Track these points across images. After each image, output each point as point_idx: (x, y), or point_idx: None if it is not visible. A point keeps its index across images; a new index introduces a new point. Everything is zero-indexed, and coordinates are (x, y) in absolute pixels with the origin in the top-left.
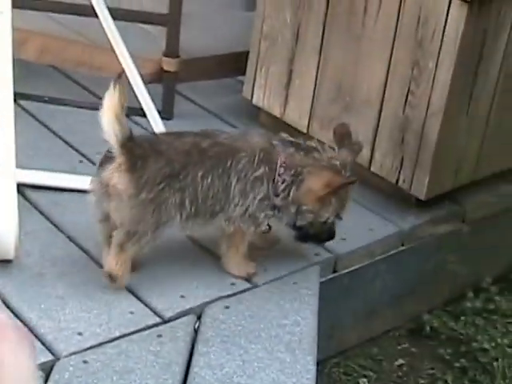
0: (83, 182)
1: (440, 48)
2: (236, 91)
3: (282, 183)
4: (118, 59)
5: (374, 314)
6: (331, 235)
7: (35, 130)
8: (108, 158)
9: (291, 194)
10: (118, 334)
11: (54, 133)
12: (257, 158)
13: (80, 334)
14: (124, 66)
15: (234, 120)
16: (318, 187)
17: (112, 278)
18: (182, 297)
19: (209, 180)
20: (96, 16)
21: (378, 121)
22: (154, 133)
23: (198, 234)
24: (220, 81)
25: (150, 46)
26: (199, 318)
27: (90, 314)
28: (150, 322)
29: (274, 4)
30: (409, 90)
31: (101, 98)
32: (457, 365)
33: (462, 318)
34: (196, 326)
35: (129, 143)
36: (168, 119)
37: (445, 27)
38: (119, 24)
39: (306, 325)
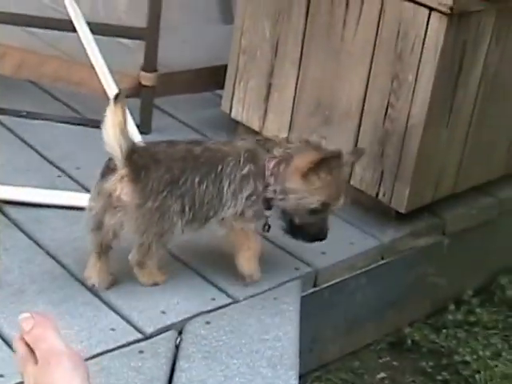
0: (62, 197)
1: (420, 60)
2: (214, 105)
3: (271, 175)
4: (96, 74)
5: (354, 327)
6: (321, 232)
7: (13, 145)
8: (109, 170)
9: (278, 176)
10: (99, 350)
11: (31, 148)
12: (242, 158)
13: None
14: (102, 80)
15: (212, 134)
16: (301, 164)
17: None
18: (163, 312)
19: (204, 185)
20: (75, 30)
21: (358, 134)
22: (145, 143)
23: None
24: (198, 94)
25: (127, 60)
26: (180, 333)
27: (71, 331)
28: (131, 338)
29: (253, 18)
30: (388, 102)
31: (79, 113)
32: (438, 378)
33: (444, 330)
34: (177, 342)
35: (132, 155)
36: (146, 133)
37: (424, 39)
38: (97, 38)
39: (287, 340)
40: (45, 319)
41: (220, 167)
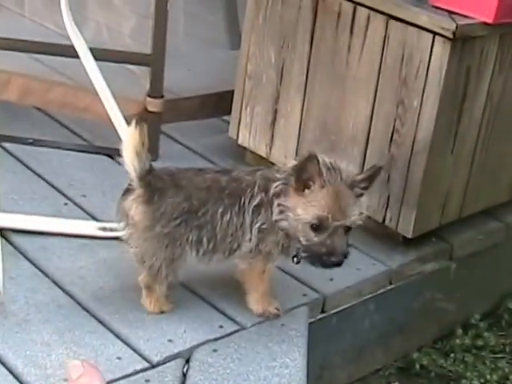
0: (69, 225)
1: (424, 86)
2: (222, 131)
3: (275, 198)
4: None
5: (363, 353)
6: (334, 252)
7: (19, 172)
8: (130, 189)
9: (280, 197)
10: (106, 379)
11: (38, 175)
12: (256, 188)
13: (67, 381)
14: (107, 107)
15: (219, 160)
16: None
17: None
18: (170, 341)
19: (228, 217)
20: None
21: (364, 159)
22: (175, 167)
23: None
24: (205, 121)
25: (134, 86)
26: (187, 361)
27: (77, 361)
28: (138, 367)
29: (258, 43)
30: (394, 128)
31: (86, 140)
32: None
33: (452, 354)
34: (184, 370)
35: (148, 176)
36: (153, 160)
37: (429, 65)
38: (103, 64)
39: (294, 366)
40: (93, 369)
41: (243, 199)
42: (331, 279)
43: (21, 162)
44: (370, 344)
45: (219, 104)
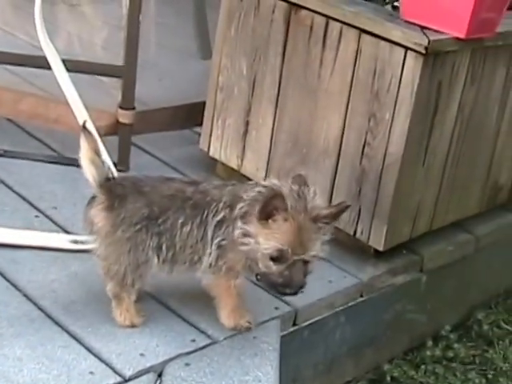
0: (40, 238)
1: (396, 99)
2: (193, 142)
3: (238, 218)
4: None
5: (334, 365)
6: (290, 284)
7: None
8: (94, 197)
9: (244, 219)
10: None
11: (8, 187)
12: (221, 203)
13: None
14: (78, 118)
15: (190, 172)
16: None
17: (129, 327)
18: (142, 355)
19: (188, 228)
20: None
21: (335, 172)
22: (144, 175)
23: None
24: (177, 132)
25: (107, 97)
26: (160, 375)
27: (49, 375)
28: (111, 382)
29: (230, 55)
30: (365, 141)
31: (56, 152)
32: None
33: (422, 366)
34: None
35: (107, 183)
36: (124, 171)
37: (401, 79)
38: (75, 76)
39: (266, 380)
40: None
41: (206, 212)
42: (302, 292)
43: None
44: (341, 356)
45: (191, 115)
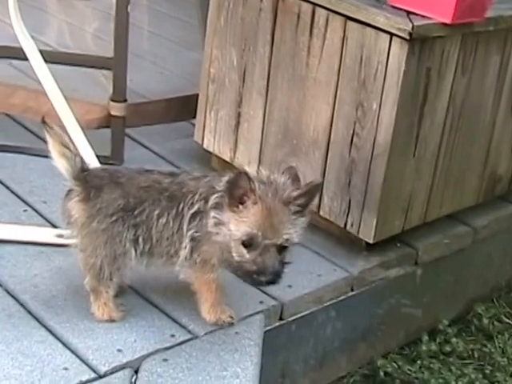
0: (25, 232)
1: (383, 88)
2: (189, 135)
3: (213, 209)
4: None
5: (326, 360)
6: (264, 271)
7: None
8: (70, 190)
9: (218, 209)
10: None
11: (0, 182)
12: (197, 195)
13: None
14: (57, 108)
15: (185, 165)
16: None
17: (108, 321)
18: (119, 350)
19: (164, 220)
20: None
21: (325, 164)
22: (123, 167)
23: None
24: (173, 124)
25: (101, 89)
26: (137, 372)
27: (22, 371)
28: (84, 378)
29: (221, 46)
30: (354, 131)
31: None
32: None
33: (418, 361)
34: (133, 381)
35: (81, 174)
36: (118, 164)
37: (387, 66)
38: (68, 68)
39: (245, 376)
40: None
41: (182, 204)
42: (290, 286)
43: None
44: (332, 351)
45: (185, 107)
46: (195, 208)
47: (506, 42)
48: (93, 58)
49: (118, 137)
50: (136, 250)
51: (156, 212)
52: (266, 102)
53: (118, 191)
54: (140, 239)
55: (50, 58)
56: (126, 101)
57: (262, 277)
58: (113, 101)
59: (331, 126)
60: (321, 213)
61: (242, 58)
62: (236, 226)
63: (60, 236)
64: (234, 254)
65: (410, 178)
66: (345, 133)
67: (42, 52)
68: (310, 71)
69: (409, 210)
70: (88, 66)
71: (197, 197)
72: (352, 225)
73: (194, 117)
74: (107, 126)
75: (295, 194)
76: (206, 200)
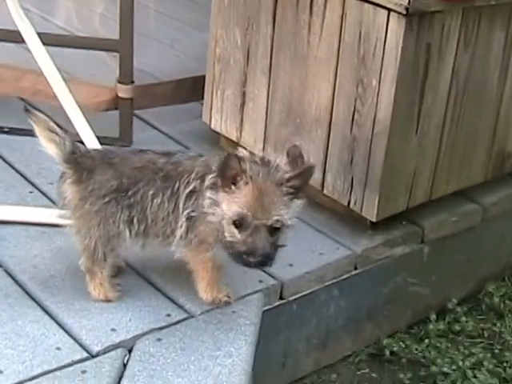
0: (27, 213)
1: (382, 64)
2: (198, 116)
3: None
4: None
5: (330, 339)
6: (254, 252)
7: None
8: (64, 173)
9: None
10: (40, 371)
11: (8, 164)
12: (193, 175)
13: (1, 372)
14: (55, 90)
15: (194, 145)
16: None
17: (104, 301)
18: (113, 330)
19: (159, 200)
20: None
21: (328, 142)
22: (117, 147)
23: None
24: (183, 105)
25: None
26: (130, 351)
27: (14, 351)
28: (76, 358)
29: (225, 26)
30: (355, 108)
31: (62, 128)
32: None
33: (426, 340)
34: (125, 360)
35: (72, 156)
36: (127, 146)
37: (385, 42)
38: (78, 51)
39: (238, 356)
40: None
41: (177, 184)
42: (291, 265)
43: None
44: (337, 330)
45: (195, 88)
46: (191, 187)
47: (510, 16)
48: (98, 40)
49: (126, 118)
50: (131, 231)
51: (151, 192)
52: (269, 81)
53: (110, 172)
54: (135, 220)
55: (55, 41)
56: (133, 82)
57: (252, 258)
58: (120, 83)
59: (332, 104)
60: (324, 191)
61: (246, 37)
62: (228, 205)
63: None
64: (226, 234)
65: (413, 155)
66: (346, 110)
67: (47, 35)
68: (310, 49)
69: (413, 187)
70: (94, 48)
71: (193, 175)
72: (355, 203)
73: (203, 98)
74: (116, 108)
75: (288, 175)
76: (203, 179)
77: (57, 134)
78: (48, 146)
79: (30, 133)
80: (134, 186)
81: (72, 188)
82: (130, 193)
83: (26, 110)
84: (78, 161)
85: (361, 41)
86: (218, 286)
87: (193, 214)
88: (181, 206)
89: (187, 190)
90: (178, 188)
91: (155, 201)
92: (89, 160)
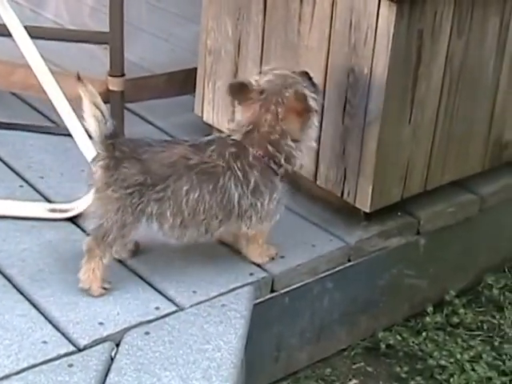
0: (17, 208)
1: (373, 52)
2: (191, 109)
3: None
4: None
5: (324, 333)
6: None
7: None
8: (98, 153)
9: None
10: (26, 364)
11: None
12: (239, 172)
13: None
14: (45, 85)
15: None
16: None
17: (84, 290)
18: (101, 323)
19: (195, 195)
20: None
21: (320, 131)
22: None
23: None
24: (175, 98)
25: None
26: (118, 345)
27: (1, 345)
28: (62, 351)
29: (216, 17)
30: (346, 98)
31: (54, 122)
32: (412, 383)
33: (424, 333)
34: (113, 354)
35: (108, 141)
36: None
37: (376, 30)
38: (68, 45)
39: (227, 349)
40: None
41: (221, 181)
42: (282, 257)
43: None
44: (331, 323)
45: (187, 81)
46: (252, 184)
47: (505, 2)
48: (88, 32)
49: (118, 112)
50: (162, 224)
51: (185, 188)
52: (260, 71)
53: (137, 167)
54: (168, 213)
55: (44, 34)
56: (124, 75)
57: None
58: (110, 75)
59: (324, 92)
60: (317, 182)
61: (237, 27)
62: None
63: (53, 211)
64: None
65: (406, 145)
66: (337, 100)
67: (37, 28)
68: (301, 39)
69: (407, 177)
70: (84, 41)
71: (241, 173)
72: (348, 194)
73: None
74: (107, 101)
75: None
76: (241, 159)
77: (101, 111)
78: (89, 121)
79: (21, 127)
80: (163, 182)
81: (100, 171)
82: (157, 188)
83: (79, 79)
84: (110, 148)
85: (352, 29)
86: (267, 246)
87: (275, 197)
88: (235, 195)
89: (250, 187)
90: (223, 184)
91: (191, 195)
92: (119, 151)
